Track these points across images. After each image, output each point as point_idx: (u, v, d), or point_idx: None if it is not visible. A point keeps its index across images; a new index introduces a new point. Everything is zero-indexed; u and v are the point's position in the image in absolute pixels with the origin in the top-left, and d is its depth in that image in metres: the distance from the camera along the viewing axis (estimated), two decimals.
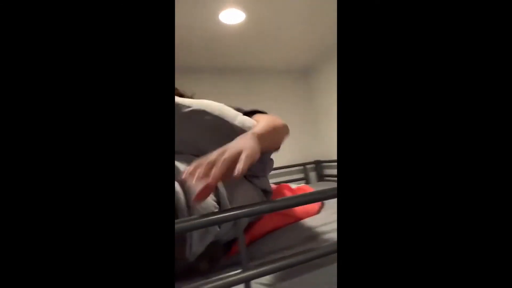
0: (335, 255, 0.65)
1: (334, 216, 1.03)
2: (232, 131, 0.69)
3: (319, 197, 0.61)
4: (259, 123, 0.68)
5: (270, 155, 0.80)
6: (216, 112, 0.70)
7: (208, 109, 0.69)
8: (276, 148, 0.72)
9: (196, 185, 0.48)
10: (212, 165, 0.49)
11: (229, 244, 0.81)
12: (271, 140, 0.66)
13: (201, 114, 0.69)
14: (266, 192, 0.82)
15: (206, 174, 0.48)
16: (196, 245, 0.65)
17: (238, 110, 0.81)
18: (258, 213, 0.56)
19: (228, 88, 2.68)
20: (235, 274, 0.52)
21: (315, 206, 1.15)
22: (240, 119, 0.72)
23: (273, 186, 1.52)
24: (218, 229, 0.66)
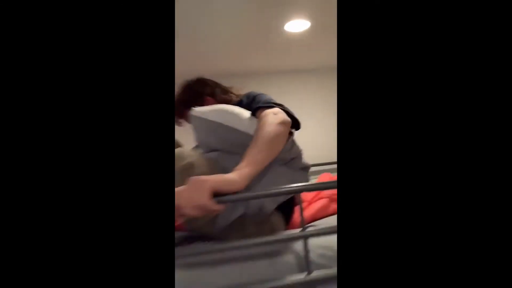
0: None
1: None
2: (242, 137, 0.82)
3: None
4: (252, 145, 0.73)
5: (289, 144, 0.84)
6: (229, 123, 0.82)
7: (220, 120, 0.83)
8: (276, 154, 0.76)
9: None
10: None
11: (287, 221, 0.94)
12: (267, 158, 0.72)
13: (214, 124, 0.84)
14: (305, 168, 0.89)
15: None
16: (221, 220, 0.75)
17: (253, 100, 0.90)
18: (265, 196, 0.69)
19: (292, 88, 2.82)
20: (296, 232, 0.68)
21: None
22: (248, 124, 0.82)
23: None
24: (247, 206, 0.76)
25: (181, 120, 1.18)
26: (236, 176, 0.66)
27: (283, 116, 0.79)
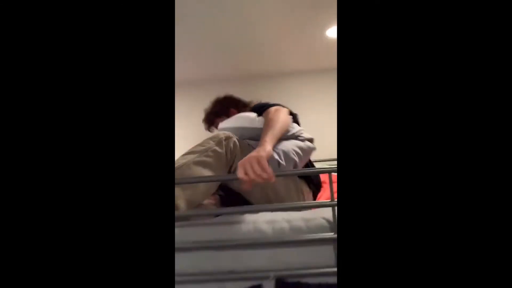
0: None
1: None
2: (255, 131, 1.14)
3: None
4: (266, 129, 1.03)
5: (289, 127, 1.17)
6: (245, 125, 1.18)
7: (239, 125, 1.19)
8: (283, 132, 1.09)
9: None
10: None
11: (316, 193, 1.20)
12: (279, 132, 1.04)
13: (235, 128, 1.18)
14: (310, 139, 1.22)
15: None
16: None
17: (260, 106, 1.22)
18: None
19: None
20: (327, 201, 0.86)
21: None
22: (257, 120, 1.16)
23: None
24: None
25: (212, 128, 1.52)
26: (269, 148, 0.94)
27: (281, 108, 1.16)
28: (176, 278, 0.77)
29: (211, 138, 1.03)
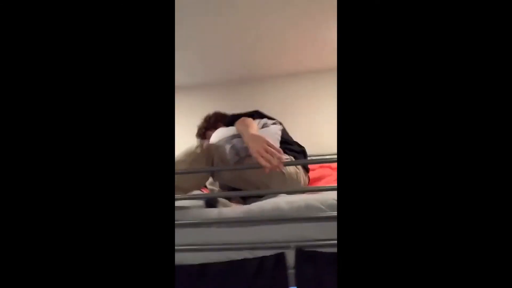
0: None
1: None
2: (230, 137, 1.37)
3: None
4: (244, 130, 1.26)
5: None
6: (225, 135, 1.41)
7: (221, 136, 1.41)
8: (255, 127, 1.34)
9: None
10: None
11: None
12: (255, 130, 1.27)
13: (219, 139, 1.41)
14: (275, 122, 1.53)
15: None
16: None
17: (233, 116, 1.47)
18: None
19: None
20: (331, 185, 1.05)
21: None
22: (230, 129, 1.41)
23: None
24: None
25: (203, 140, 1.80)
26: (260, 135, 1.16)
27: (245, 117, 1.41)
28: (217, 246, 0.96)
29: (192, 145, 1.32)
